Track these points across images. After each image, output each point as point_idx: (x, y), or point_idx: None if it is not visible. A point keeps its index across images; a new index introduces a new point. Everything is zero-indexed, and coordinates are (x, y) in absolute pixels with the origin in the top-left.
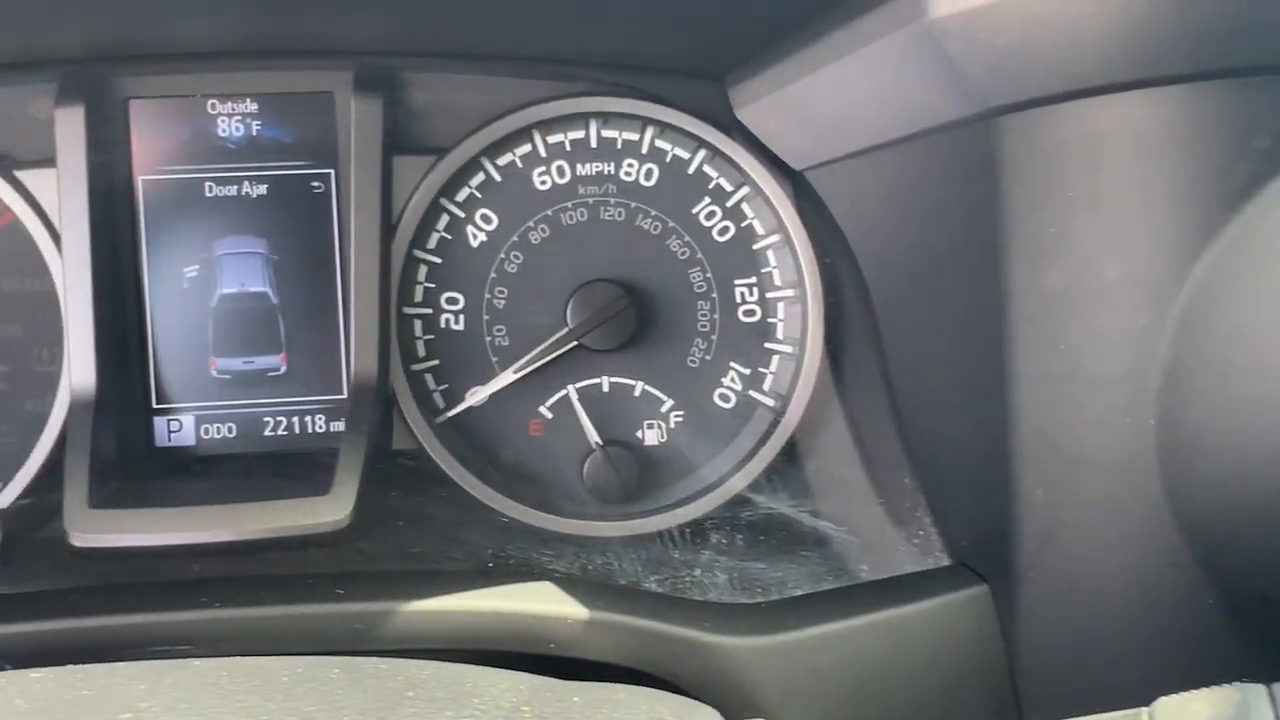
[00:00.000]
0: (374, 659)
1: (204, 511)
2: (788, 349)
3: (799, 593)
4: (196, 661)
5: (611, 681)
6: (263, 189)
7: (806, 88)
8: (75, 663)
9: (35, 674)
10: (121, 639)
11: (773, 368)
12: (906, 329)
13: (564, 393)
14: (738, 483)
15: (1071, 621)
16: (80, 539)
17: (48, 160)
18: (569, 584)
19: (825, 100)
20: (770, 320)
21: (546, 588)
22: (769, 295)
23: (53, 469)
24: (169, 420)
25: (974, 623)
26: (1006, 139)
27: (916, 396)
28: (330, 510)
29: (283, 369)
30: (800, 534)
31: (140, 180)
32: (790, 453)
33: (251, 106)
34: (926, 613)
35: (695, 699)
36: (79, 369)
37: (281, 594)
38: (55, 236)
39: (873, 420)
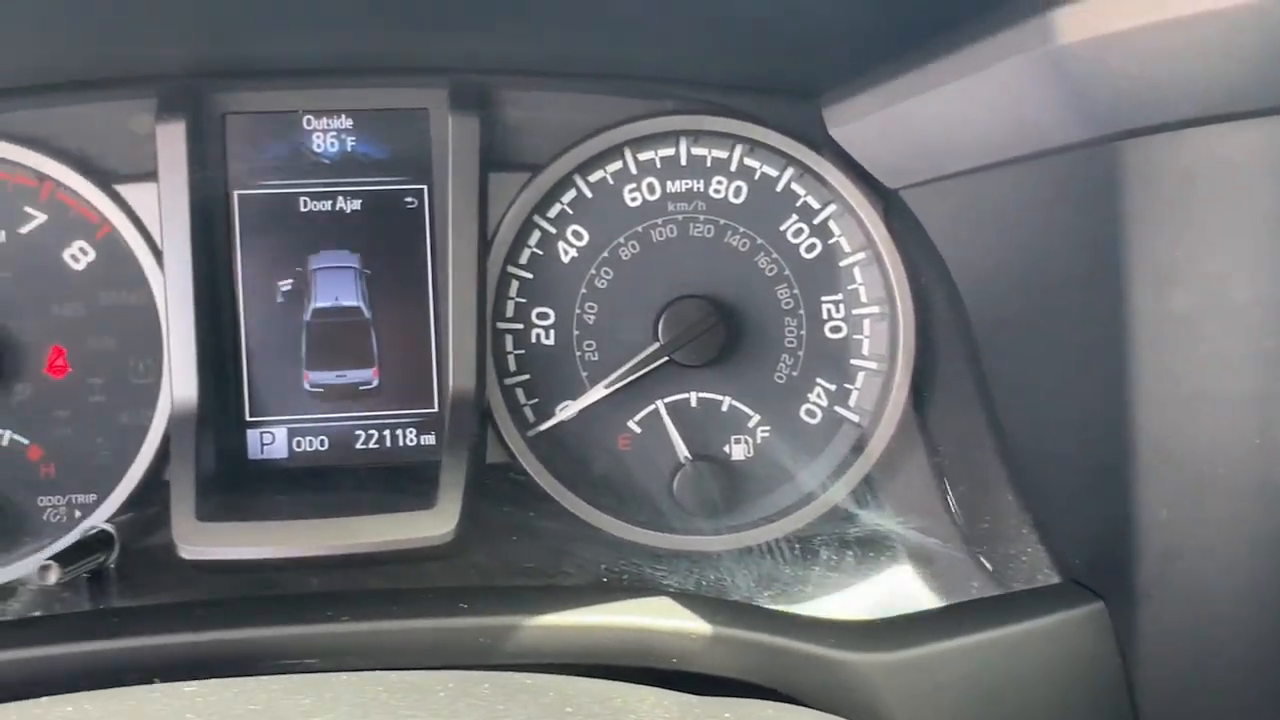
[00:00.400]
0: (518, 675)
1: (312, 525)
2: (873, 365)
3: (913, 610)
4: (343, 676)
5: (726, 696)
6: (357, 204)
7: (913, 109)
8: (201, 677)
9: (189, 688)
10: (248, 653)
11: (858, 384)
12: (1010, 347)
13: (653, 407)
14: (834, 495)
15: (1194, 642)
16: (189, 552)
17: (146, 175)
18: (688, 600)
19: (932, 121)
20: (856, 337)
21: (666, 603)
22: (855, 312)
23: (151, 482)
24: (262, 433)
25: (1091, 640)
26: (1129, 162)
27: (1021, 415)
28: (436, 524)
29: (375, 383)
30: (907, 551)
31: (236, 195)
32: (885, 467)
33: (346, 122)
34: (1045, 629)
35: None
36: (181, 383)
37: (405, 608)
38: (155, 250)
39: (967, 437)
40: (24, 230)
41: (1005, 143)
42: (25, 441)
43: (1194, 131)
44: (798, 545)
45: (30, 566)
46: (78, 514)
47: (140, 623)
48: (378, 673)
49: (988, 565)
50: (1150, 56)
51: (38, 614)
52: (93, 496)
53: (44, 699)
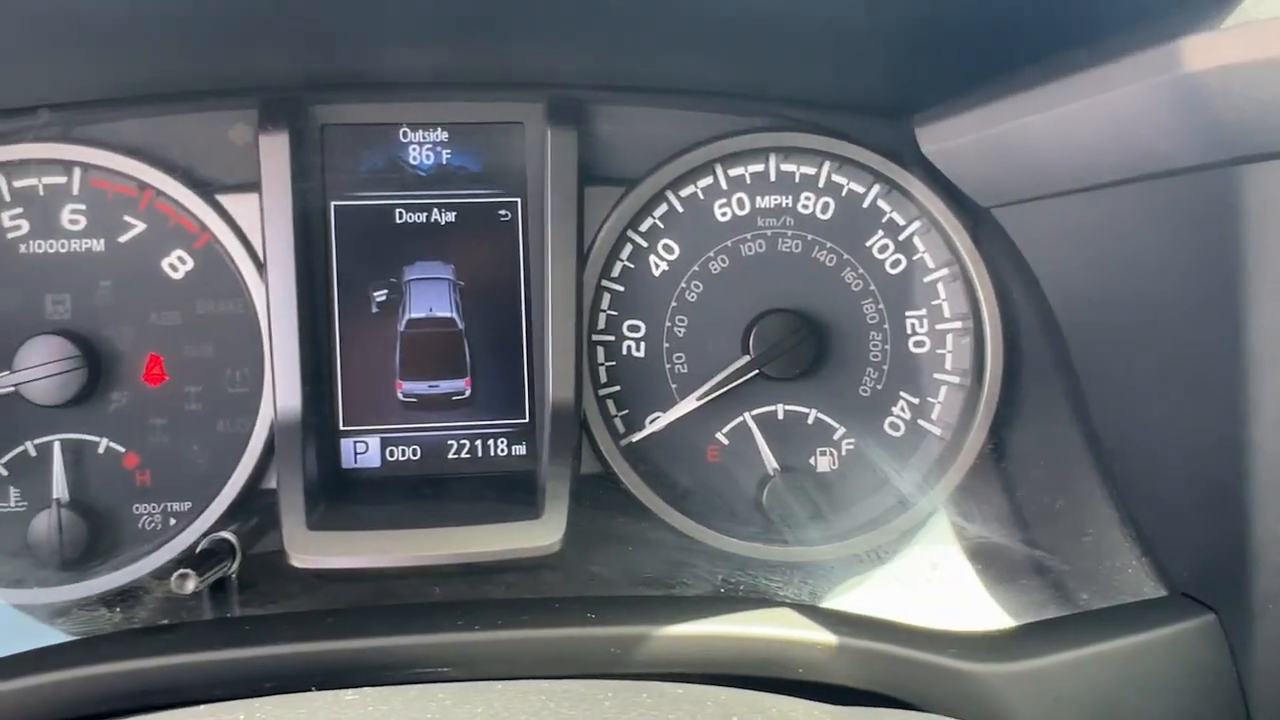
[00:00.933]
0: (668, 685)
1: (422, 534)
2: (955, 380)
3: (1029, 620)
4: (499, 685)
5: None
6: (451, 216)
7: (1020, 130)
8: (340, 685)
9: (351, 695)
10: (385, 661)
11: (940, 398)
12: (1111, 364)
13: (740, 419)
14: (925, 507)
15: None
16: (302, 560)
17: (246, 185)
18: (808, 610)
19: (1040, 142)
20: (939, 351)
21: (789, 614)
22: (938, 327)
23: (249, 491)
24: (355, 442)
25: (1205, 652)
26: (1250, 185)
27: (1122, 430)
28: (544, 534)
29: (467, 393)
30: (1017, 563)
31: (333, 206)
32: (974, 480)
33: (442, 135)
34: (1160, 641)
35: None
36: (284, 392)
37: (534, 617)
38: (255, 260)
39: (1059, 451)
40: (123, 239)
41: (1119, 164)
42: (121, 449)
43: None
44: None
45: (134, 574)
46: (172, 522)
47: (281, 630)
48: (533, 682)
49: (1098, 577)
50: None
51: (170, 621)
52: (188, 504)
53: (216, 704)
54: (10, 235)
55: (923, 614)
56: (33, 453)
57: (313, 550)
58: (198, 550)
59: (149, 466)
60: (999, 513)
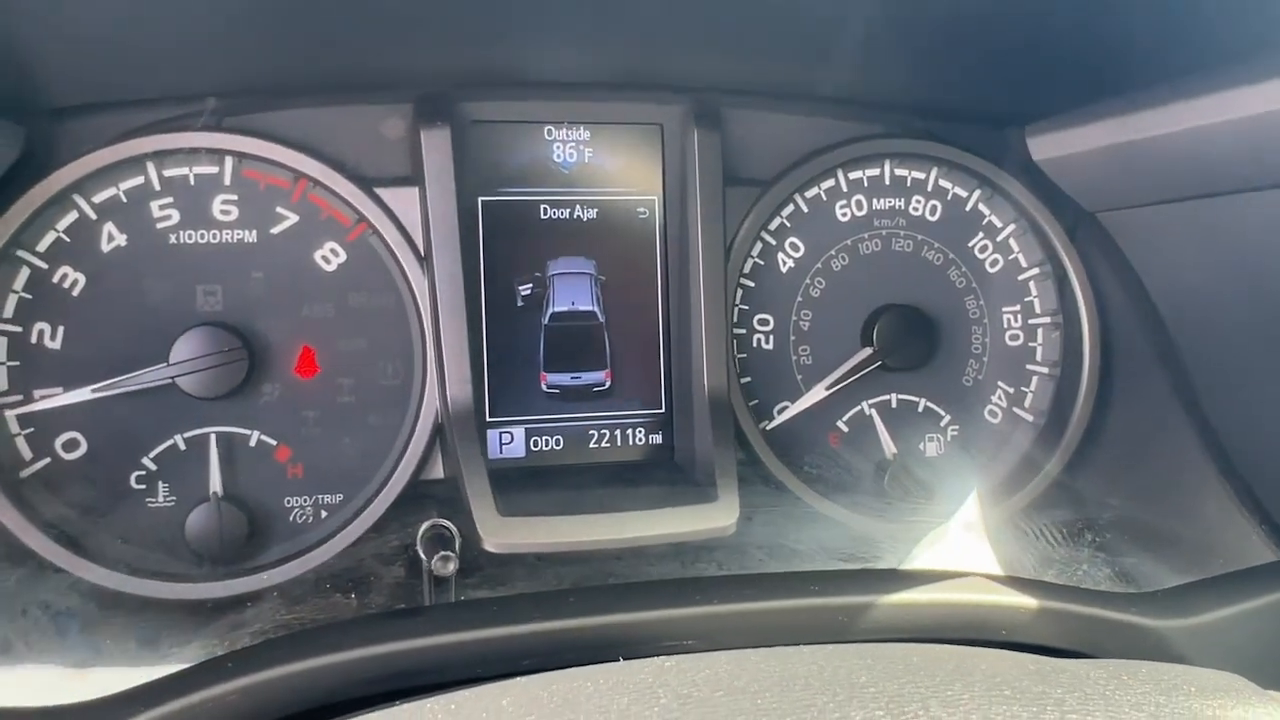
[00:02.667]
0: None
1: (607, 518)
2: (1044, 370)
3: (1178, 583)
4: (780, 651)
5: None
6: (593, 213)
7: (1148, 144)
8: (592, 661)
9: (644, 665)
10: (636, 637)
11: (1033, 387)
12: (1224, 356)
13: (859, 408)
14: (1036, 487)
15: None
16: (496, 545)
17: (398, 179)
18: (1004, 579)
19: (1166, 155)
20: (1031, 344)
21: (982, 582)
22: (1030, 321)
23: (403, 482)
24: (501, 433)
25: None
26: None
27: (1236, 415)
28: (721, 516)
29: (608, 384)
30: (1142, 534)
31: (480, 201)
32: (1080, 459)
33: (584, 134)
34: None
35: None
36: (455, 384)
37: (764, 590)
38: (416, 252)
39: (1171, 435)
40: (276, 231)
41: (1249, 176)
42: (273, 442)
43: None
44: (1064, 529)
45: (305, 565)
46: (324, 514)
47: (535, 609)
48: (814, 648)
49: (1226, 544)
50: None
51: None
52: (339, 497)
53: (493, 684)
54: (160, 225)
55: (1085, 582)
56: (182, 446)
57: (506, 536)
58: (421, 536)
59: (300, 459)
60: (1109, 491)
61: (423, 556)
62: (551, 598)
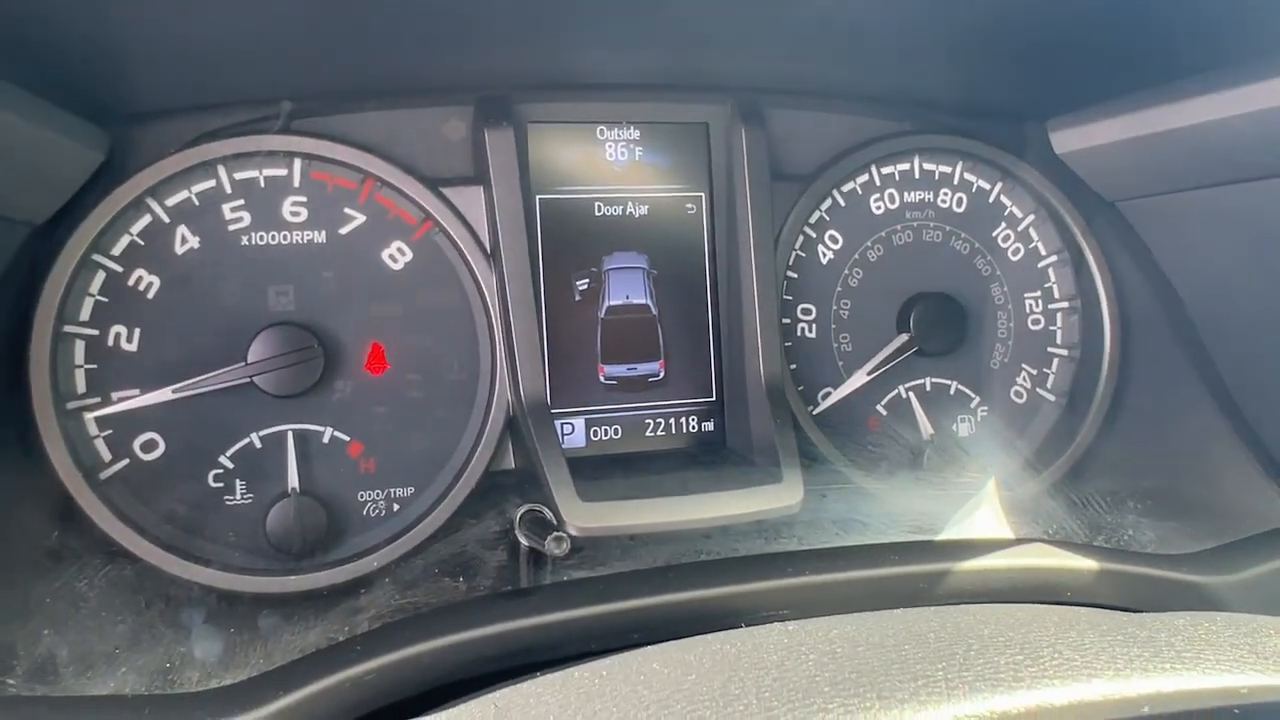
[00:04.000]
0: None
1: (683, 499)
2: (1064, 353)
3: (1214, 545)
4: (893, 612)
5: None
6: (644, 209)
7: (1169, 136)
8: (703, 631)
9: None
10: (740, 608)
11: (1054, 369)
12: (1245, 336)
13: (896, 392)
14: (1065, 463)
15: None
16: (579, 529)
17: (460, 179)
18: (1057, 544)
19: (1188, 147)
20: (1051, 328)
21: (1046, 548)
22: (1050, 306)
23: (474, 473)
24: (563, 424)
25: None
26: None
27: (1258, 393)
28: (787, 495)
29: (661, 374)
30: (1186, 500)
31: (538, 199)
32: (1104, 435)
33: (634, 133)
34: None
35: None
36: (529, 378)
37: (853, 562)
38: (482, 249)
39: (1192, 412)
40: (344, 231)
41: (1267, 164)
42: (346, 438)
43: None
44: (1108, 497)
45: (387, 557)
46: (396, 508)
47: (641, 586)
48: (946, 607)
49: (1253, 510)
50: None
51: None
52: (410, 490)
53: (640, 649)
54: (232, 228)
55: (1131, 545)
56: (258, 445)
57: (589, 519)
58: (520, 520)
59: (372, 454)
60: (1136, 463)
61: (523, 541)
62: (660, 574)
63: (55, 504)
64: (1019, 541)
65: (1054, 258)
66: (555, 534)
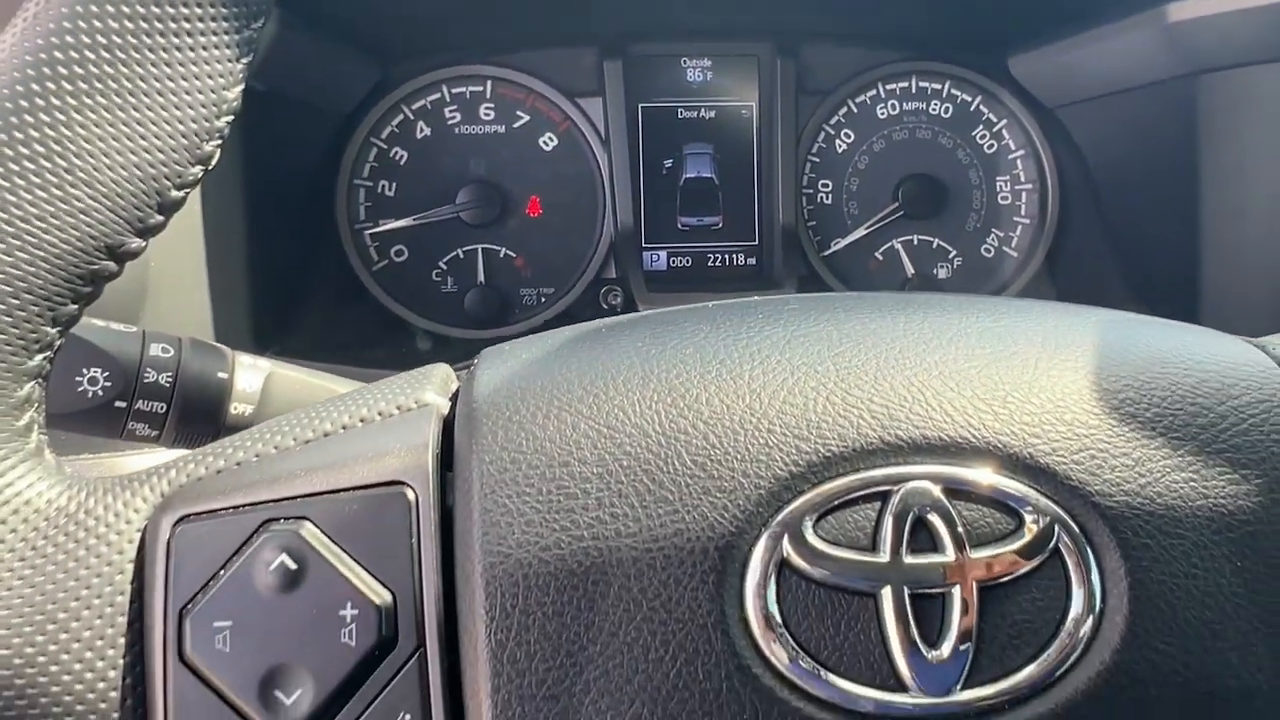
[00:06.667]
0: None
1: (720, 295)
2: (1026, 221)
3: None
4: None
5: None
6: (712, 114)
7: (1081, 57)
8: None
9: None
10: None
11: (1017, 233)
12: (1136, 206)
13: (890, 244)
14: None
15: None
16: (648, 307)
17: (592, 92)
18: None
19: (1092, 63)
20: (1016, 204)
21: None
22: (1016, 188)
23: (594, 281)
24: (651, 254)
25: None
26: (1204, 91)
27: (1141, 248)
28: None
29: (720, 224)
30: None
31: (640, 107)
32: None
33: (707, 63)
34: None
35: None
36: (628, 222)
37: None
38: (600, 139)
39: (1095, 266)
40: (516, 126)
41: (1132, 76)
42: (514, 254)
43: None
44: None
45: (533, 326)
46: (542, 299)
47: None
48: None
49: None
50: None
51: None
52: (553, 289)
53: None
54: (449, 122)
55: None
56: (461, 256)
57: (655, 303)
58: (602, 295)
59: (530, 266)
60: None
61: (604, 306)
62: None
63: (347, 286)
64: None
65: (1021, 151)
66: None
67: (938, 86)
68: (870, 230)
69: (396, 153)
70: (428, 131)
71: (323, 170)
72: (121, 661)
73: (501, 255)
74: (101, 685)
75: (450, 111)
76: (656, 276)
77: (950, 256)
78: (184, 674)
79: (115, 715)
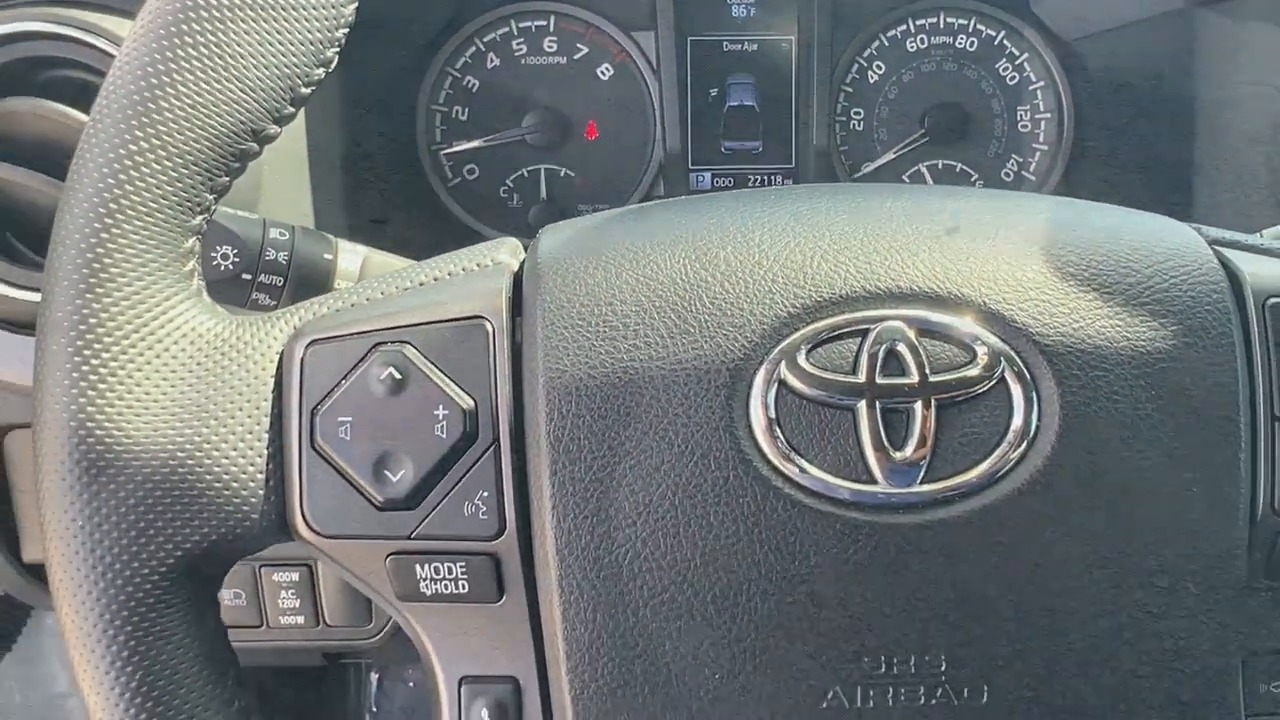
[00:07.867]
0: None
1: None
2: (1045, 148)
3: None
4: None
5: None
6: (754, 46)
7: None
8: None
9: None
10: None
11: (1035, 159)
12: (1140, 137)
13: (917, 168)
14: None
15: None
16: None
17: (642, 27)
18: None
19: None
20: (1035, 131)
21: None
22: (1035, 116)
23: (644, 196)
24: (697, 175)
25: None
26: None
27: (1143, 166)
28: None
29: (760, 148)
30: None
31: (689, 40)
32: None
33: (753, 2)
34: None
35: None
36: (676, 145)
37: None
38: (651, 69)
39: (1116, 174)
40: (576, 57)
41: (1133, 11)
42: (573, 174)
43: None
44: None
45: None
46: (598, 209)
47: None
48: None
49: None
50: None
51: None
52: (607, 206)
53: None
54: (516, 53)
55: None
56: (525, 175)
57: None
58: None
59: (587, 184)
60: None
61: None
62: None
63: (424, 198)
64: None
65: (1041, 83)
66: None
67: (964, 22)
68: (898, 154)
69: (469, 80)
70: (496, 62)
71: (403, 95)
72: (266, 451)
73: (562, 174)
74: (251, 468)
75: (517, 44)
76: (702, 194)
77: (972, 180)
78: (314, 458)
79: (261, 491)
